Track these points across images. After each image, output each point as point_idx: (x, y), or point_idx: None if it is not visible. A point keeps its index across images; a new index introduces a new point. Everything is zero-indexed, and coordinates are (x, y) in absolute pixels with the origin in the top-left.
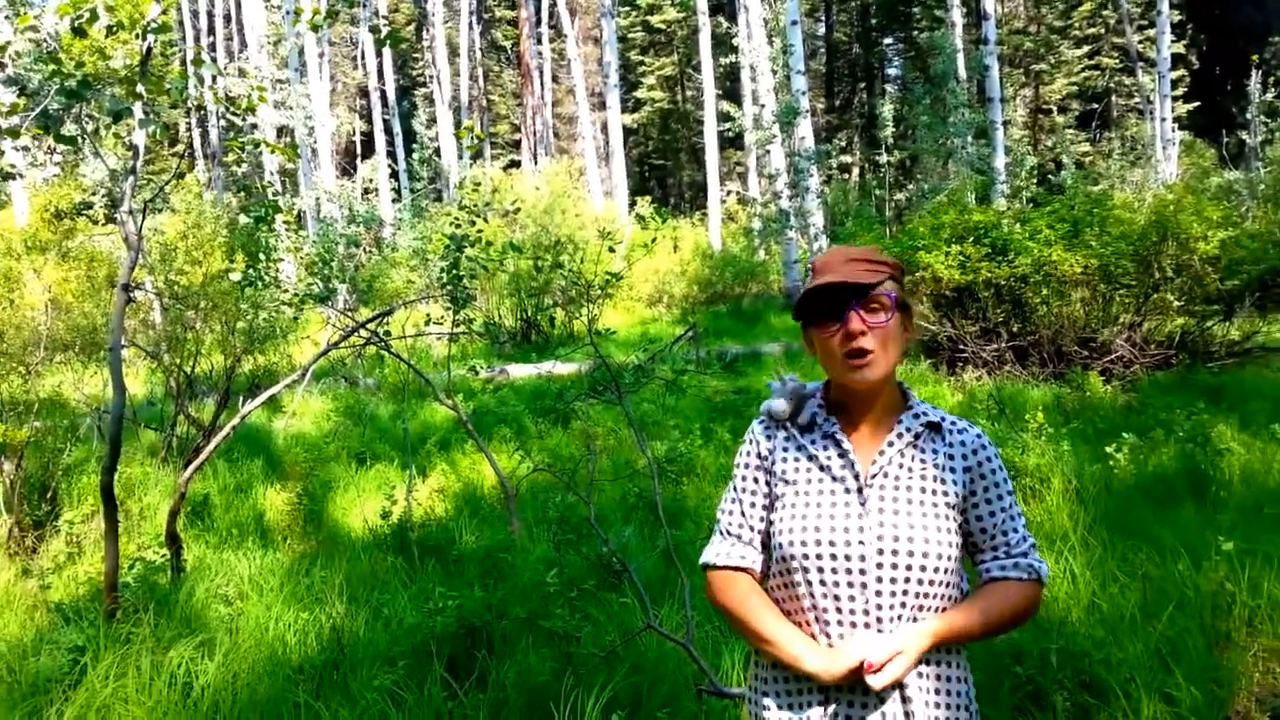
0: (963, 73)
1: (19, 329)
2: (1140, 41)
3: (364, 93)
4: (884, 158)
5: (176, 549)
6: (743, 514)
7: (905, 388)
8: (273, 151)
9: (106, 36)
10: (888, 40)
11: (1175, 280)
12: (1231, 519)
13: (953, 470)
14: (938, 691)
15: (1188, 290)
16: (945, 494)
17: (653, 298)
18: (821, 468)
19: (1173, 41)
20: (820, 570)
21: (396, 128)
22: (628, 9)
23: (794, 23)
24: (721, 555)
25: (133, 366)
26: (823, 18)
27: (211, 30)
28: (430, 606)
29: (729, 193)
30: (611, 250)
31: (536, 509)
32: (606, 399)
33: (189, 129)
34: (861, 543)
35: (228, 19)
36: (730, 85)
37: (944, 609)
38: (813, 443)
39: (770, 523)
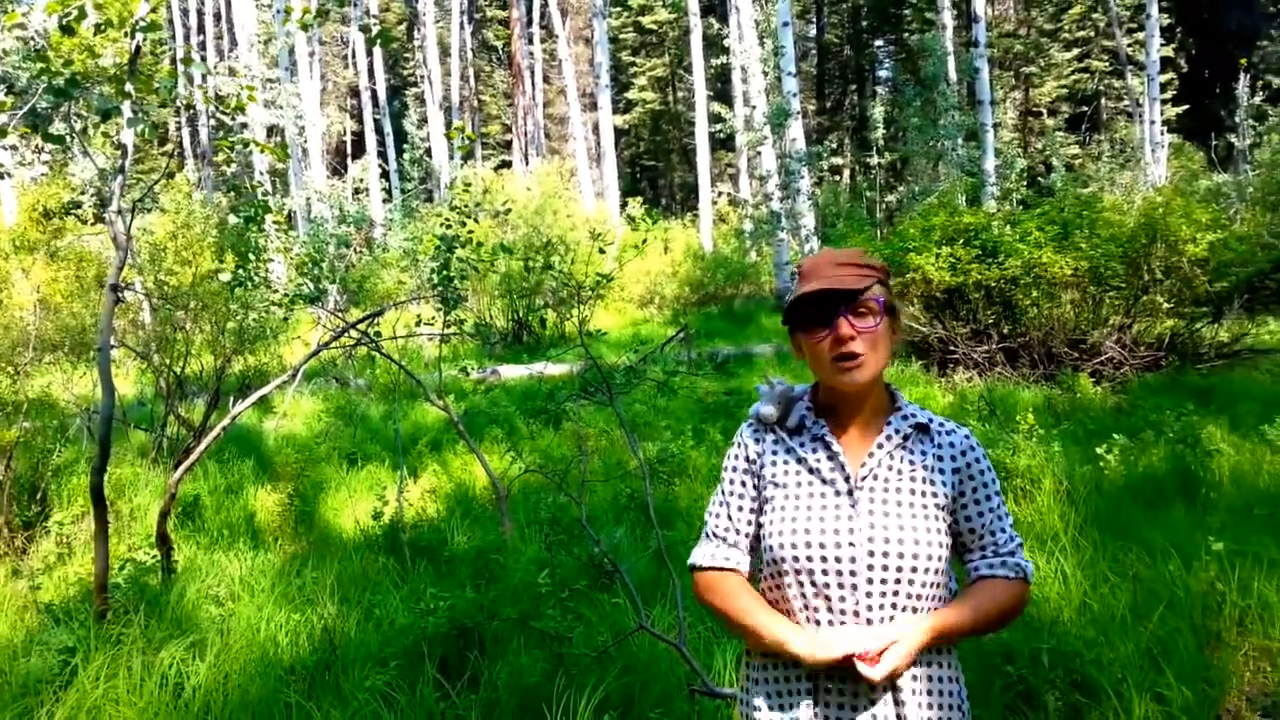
0: (953, 75)
1: (7, 329)
2: (1130, 45)
3: (355, 92)
4: (875, 160)
5: (167, 550)
6: (730, 517)
7: (893, 389)
8: (262, 151)
9: (95, 34)
10: (879, 42)
11: (1164, 282)
12: (1221, 520)
13: (941, 471)
14: (929, 692)
15: (1177, 292)
16: (935, 495)
17: (644, 299)
18: (811, 470)
19: (1162, 45)
20: (811, 573)
21: (387, 127)
22: (619, 9)
23: (785, 24)
24: (708, 557)
25: (123, 367)
26: (814, 19)
27: (201, 29)
28: (422, 607)
29: (720, 194)
30: (602, 251)
31: (528, 510)
32: (598, 400)
33: (178, 128)
34: (852, 544)
35: (218, 17)
36: (722, 86)
37: (934, 610)
38: (802, 445)
39: (760, 525)
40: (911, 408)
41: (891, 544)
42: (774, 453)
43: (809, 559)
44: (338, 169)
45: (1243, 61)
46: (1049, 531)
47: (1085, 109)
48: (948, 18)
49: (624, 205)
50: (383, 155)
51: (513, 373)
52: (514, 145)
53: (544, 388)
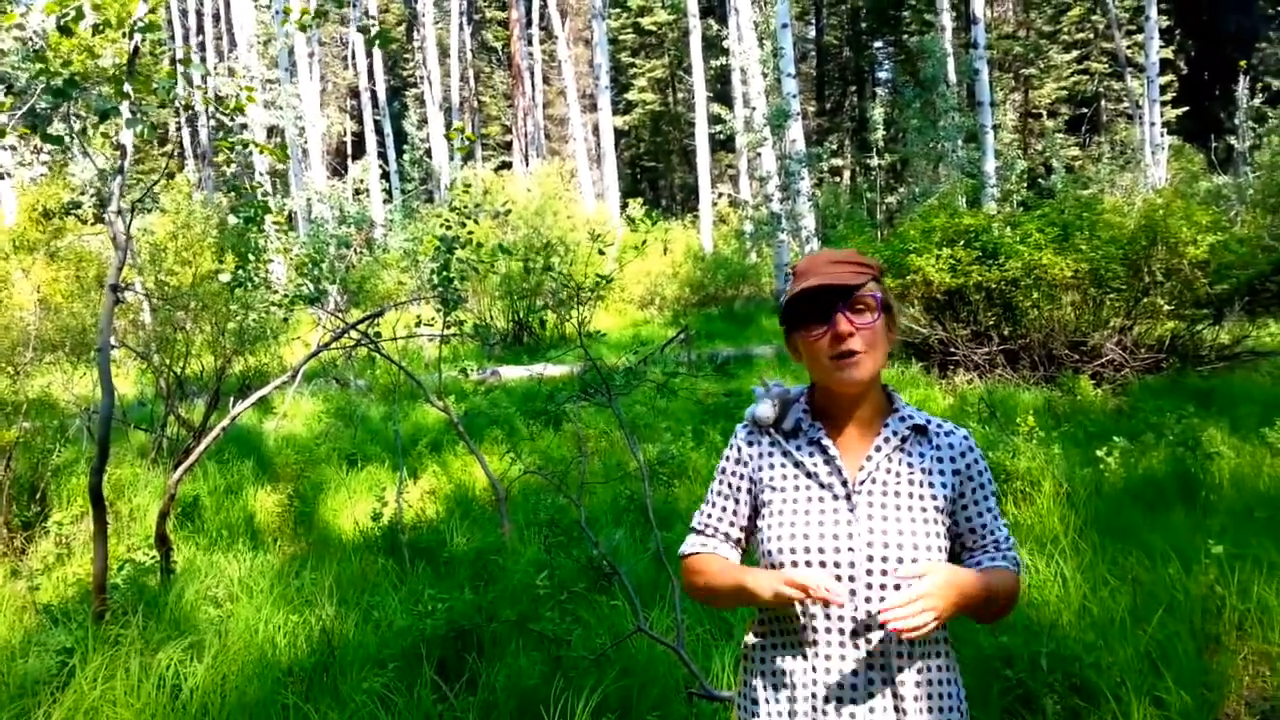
0: (953, 77)
1: (7, 329)
2: (1129, 47)
3: (355, 93)
4: (875, 161)
5: (166, 550)
6: (718, 514)
7: (891, 391)
8: (261, 152)
9: (93, 35)
10: (878, 44)
11: (1165, 284)
12: (1221, 523)
13: (941, 473)
14: (930, 695)
15: (1177, 294)
16: (934, 497)
17: (645, 300)
18: (808, 474)
19: (1161, 47)
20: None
21: (387, 128)
22: (619, 11)
23: (784, 26)
24: (693, 547)
25: (123, 367)
26: (813, 21)
27: (201, 29)
28: (420, 609)
29: (720, 195)
30: (601, 253)
31: (528, 511)
32: (598, 401)
33: (178, 129)
34: (851, 549)
35: (217, 18)
36: (721, 88)
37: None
38: (798, 449)
39: (756, 530)
40: (909, 409)
41: (890, 548)
42: (770, 455)
43: (807, 564)
44: (338, 170)
45: (1242, 63)
46: (1049, 534)
47: (1085, 111)
48: (947, 19)
49: (624, 206)
50: (383, 156)
51: (513, 374)
52: (514, 146)
53: (544, 389)
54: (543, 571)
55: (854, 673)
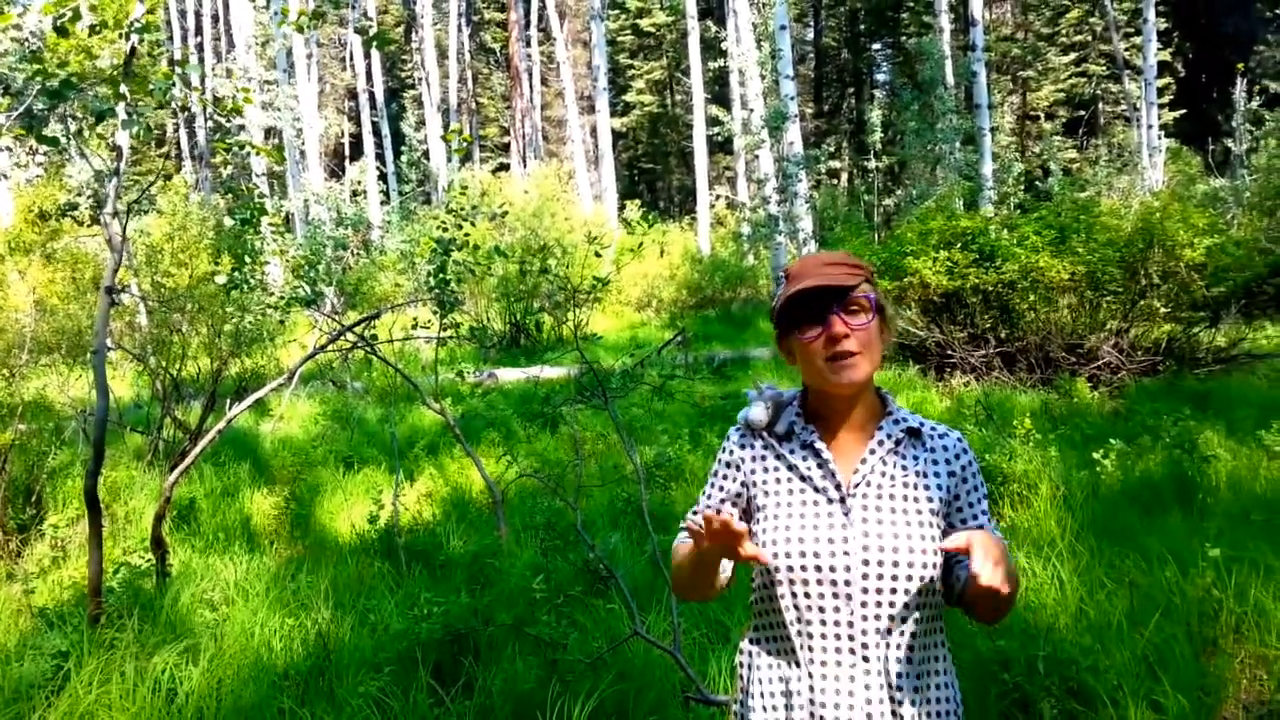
0: (950, 79)
1: (3, 331)
2: (1127, 49)
3: (353, 94)
4: (872, 163)
5: (161, 553)
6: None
7: (884, 394)
8: (257, 153)
9: (90, 36)
10: (876, 46)
11: (1162, 287)
12: (1218, 525)
13: (936, 475)
14: (928, 700)
15: (1174, 297)
16: (929, 500)
17: (642, 302)
18: (802, 478)
19: (1159, 49)
20: (805, 583)
21: (385, 130)
22: (617, 12)
23: (782, 28)
24: (677, 540)
25: (119, 369)
26: (811, 23)
27: (199, 30)
28: (416, 613)
29: (718, 197)
30: (598, 255)
31: (524, 514)
32: (594, 404)
33: (176, 130)
34: (846, 553)
35: (215, 19)
36: (719, 90)
37: (929, 619)
38: (791, 452)
39: (751, 535)
40: (902, 412)
41: (886, 552)
42: (763, 459)
43: (802, 568)
44: (336, 171)
45: (1240, 66)
46: (1045, 537)
47: (1083, 113)
48: (945, 21)
49: (622, 208)
50: (380, 157)
51: (510, 376)
52: (512, 148)
53: (541, 391)
54: (539, 575)
55: (851, 679)
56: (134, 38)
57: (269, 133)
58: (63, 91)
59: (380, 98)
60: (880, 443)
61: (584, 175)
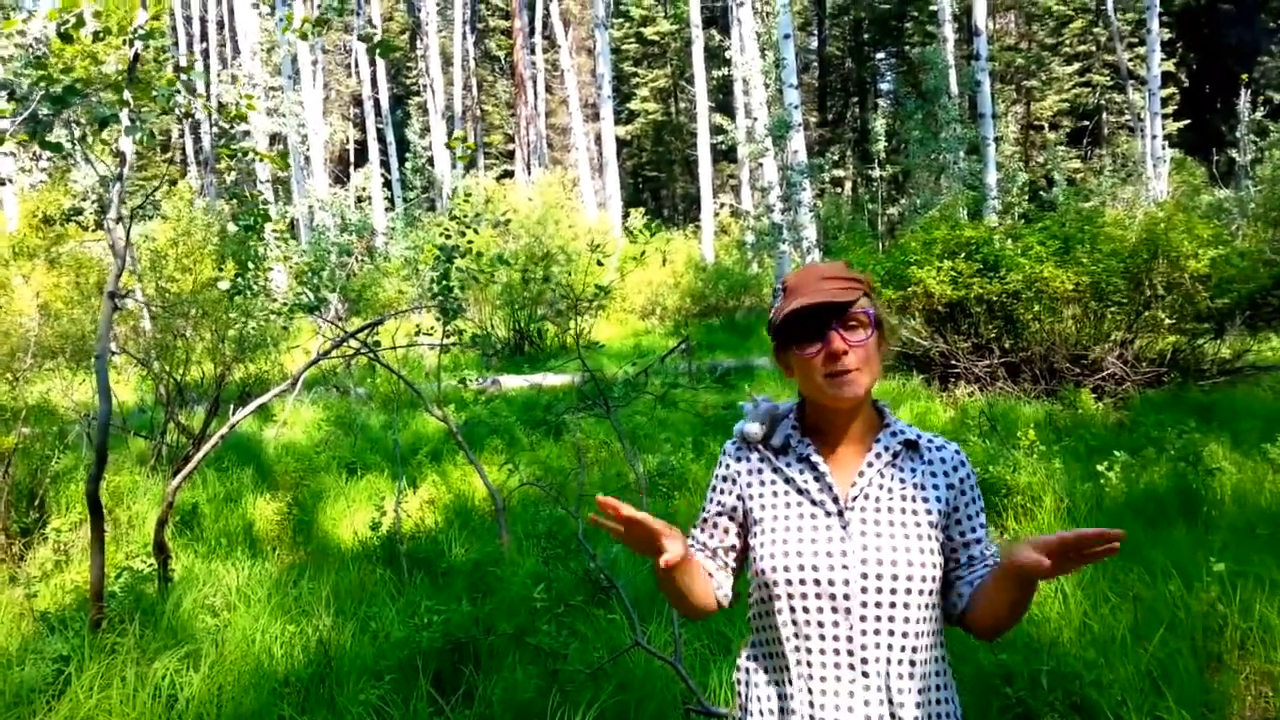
0: (954, 88)
1: (7, 335)
2: (1131, 59)
3: (358, 101)
4: (876, 172)
5: (164, 558)
6: (706, 536)
7: (881, 406)
8: (260, 160)
9: (94, 42)
10: (880, 55)
11: (1166, 298)
12: (1223, 539)
13: (935, 488)
14: (929, 716)
15: (1179, 308)
16: (928, 512)
17: (646, 309)
18: (800, 491)
19: (1163, 60)
20: (804, 596)
21: (390, 136)
22: (621, 20)
23: (787, 37)
24: None
25: (124, 373)
26: (815, 32)
27: (205, 37)
28: (417, 621)
29: (722, 205)
30: (600, 264)
31: (527, 522)
32: (597, 412)
33: (181, 135)
34: (845, 567)
35: (220, 25)
36: (723, 98)
37: (930, 633)
38: (788, 465)
39: (747, 549)
40: (900, 424)
41: (885, 565)
42: (759, 472)
43: (801, 582)
44: (340, 177)
45: (1244, 76)
46: None
47: (1087, 123)
48: (949, 31)
49: (626, 215)
50: (385, 164)
51: (513, 383)
52: (516, 155)
53: (544, 398)
54: (540, 584)
55: (851, 694)
56: (138, 44)
57: (274, 139)
58: (66, 98)
59: (385, 104)
60: (878, 455)
61: (588, 183)
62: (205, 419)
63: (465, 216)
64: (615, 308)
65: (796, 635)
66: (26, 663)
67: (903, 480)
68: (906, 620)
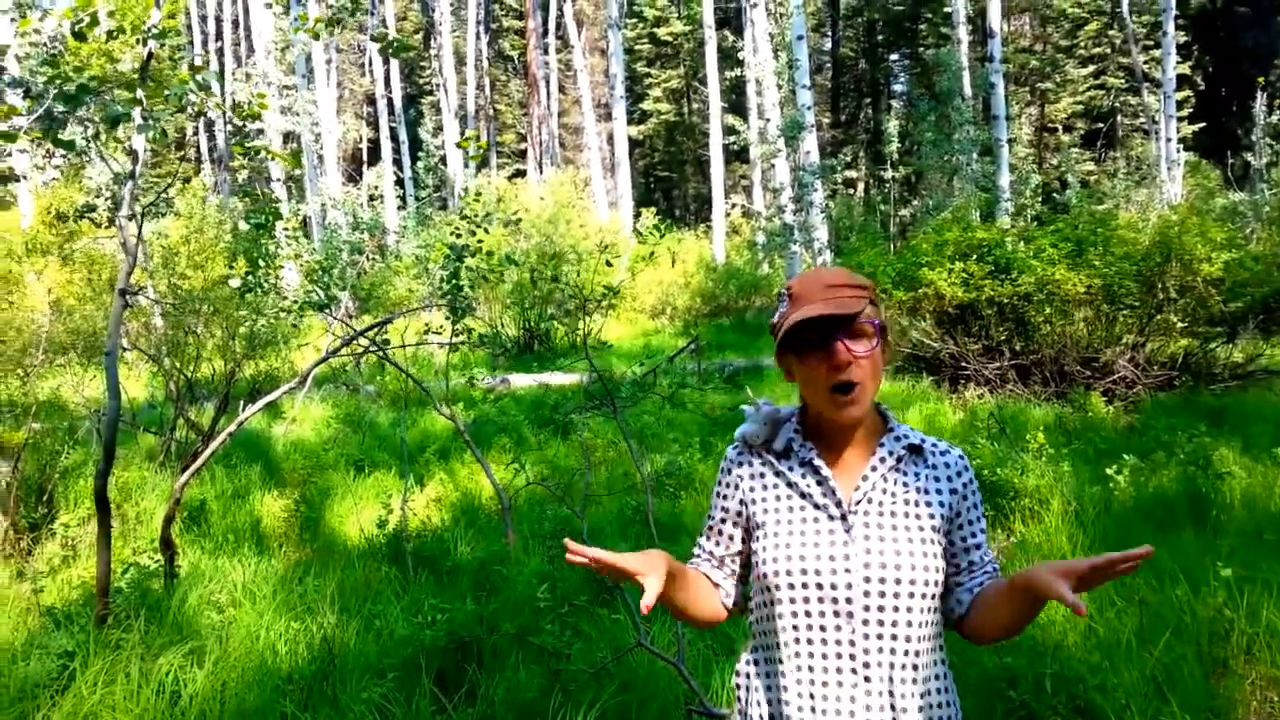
0: (968, 90)
1: (19, 331)
2: (1146, 62)
3: (371, 100)
4: (889, 173)
5: (170, 555)
6: (711, 544)
7: (884, 410)
8: (273, 159)
9: (107, 41)
10: (894, 56)
11: (1179, 301)
12: (1231, 544)
13: (939, 492)
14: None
15: (1191, 312)
16: (932, 517)
17: (656, 309)
18: (802, 495)
19: (1178, 63)
20: (806, 601)
21: (403, 135)
22: (634, 21)
23: (800, 38)
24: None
25: (135, 369)
26: (829, 33)
27: (220, 35)
28: (421, 619)
29: (734, 205)
30: (609, 264)
31: (533, 521)
32: (604, 412)
33: (196, 133)
34: (848, 571)
35: (236, 24)
36: (736, 99)
37: (931, 636)
38: (790, 470)
39: (751, 553)
40: (903, 428)
41: (888, 570)
42: (761, 476)
43: (804, 586)
44: (353, 176)
45: (1260, 80)
46: (1056, 553)
47: (1101, 126)
48: (963, 33)
49: (638, 215)
50: (398, 163)
51: (522, 381)
52: (529, 154)
53: (552, 397)
54: (545, 583)
55: (853, 699)
56: (151, 43)
57: (288, 137)
58: (79, 96)
59: (399, 103)
60: (882, 459)
61: (600, 182)
62: (215, 415)
63: (475, 216)
64: (625, 307)
65: (798, 640)
66: (32, 658)
67: (906, 485)
68: (909, 625)
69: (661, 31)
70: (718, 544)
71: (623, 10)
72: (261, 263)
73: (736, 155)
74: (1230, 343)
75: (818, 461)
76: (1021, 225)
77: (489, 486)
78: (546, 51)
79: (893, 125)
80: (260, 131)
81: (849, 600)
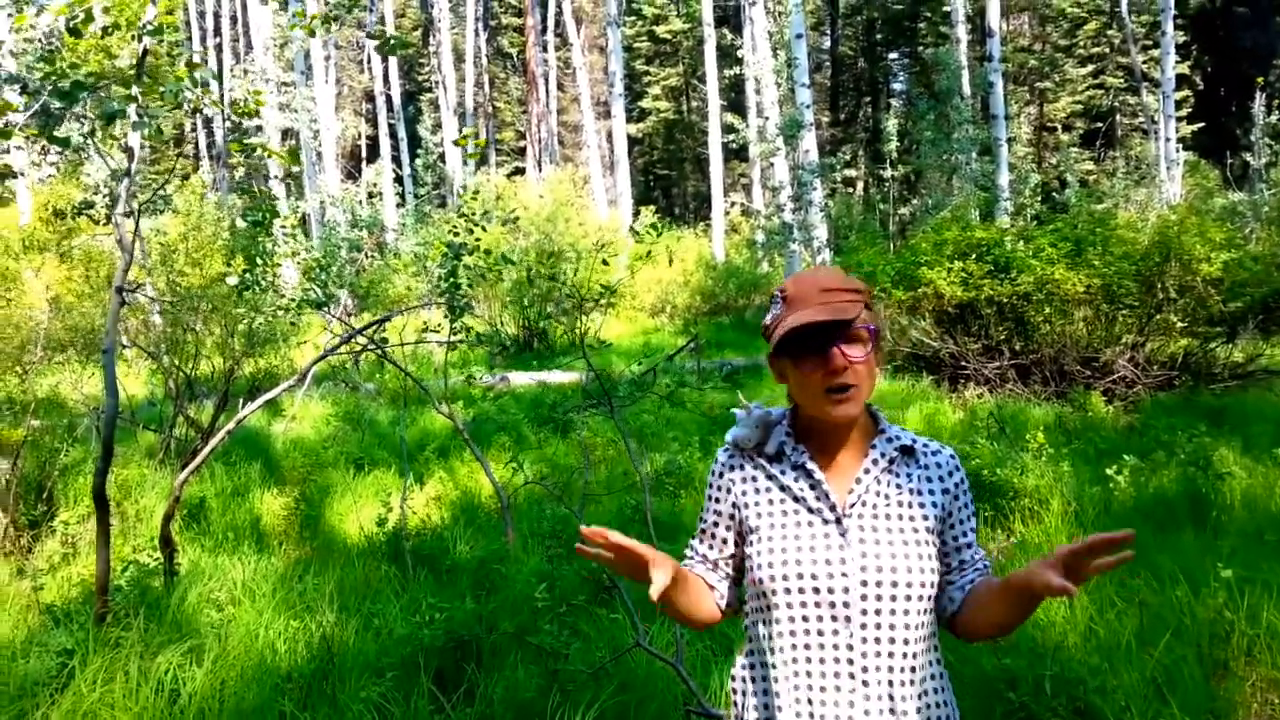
0: (967, 89)
1: (17, 328)
2: (1145, 62)
3: (370, 97)
4: (888, 172)
5: (170, 552)
6: (704, 547)
7: (875, 411)
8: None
9: (103, 37)
10: (893, 55)
11: (1178, 301)
12: (1231, 545)
13: (931, 493)
14: None
15: (1191, 311)
16: (925, 518)
17: (655, 307)
18: (796, 499)
19: (1177, 62)
20: (804, 605)
21: (402, 133)
22: (634, 19)
23: (799, 36)
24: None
25: (134, 367)
26: (828, 32)
27: (218, 31)
28: (419, 618)
29: (733, 204)
30: (605, 263)
31: (533, 519)
32: (604, 410)
33: (194, 129)
34: (844, 574)
35: (234, 20)
36: (735, 97)
37: (928, 638)
38: (783, 473)
39: (744, 558)
40: (894, 429)
41: (885, 573)
42: (753, 480)
43: (800, 591)
44: (352, 173)
45: (1259, 80)
46: None
47: (1100, 125)
48: (962, 32)
49: (637, 213)
50: (397, 160)
51: (522, 380)
52: (528, 152)
53: (551, 396)
54: (544, 582)
55: (850, 703)
56: (146, 40)
57: (286, 134)
58: (73, 93)
59: (397, 101)
60: (875, 461)
61: (599, 180)
62: (214, 413)
63: (474, 214)
64: (625, 305)
65: (795, 645)
66: (31, 655)
67: (899, 486)
68: (907, 628)
69: (660, 29)
70: (711, 547)
71: (622, 8)
72: (260, 260)
73: (735, 153)
74: (1230, 343)
75: (810, 465)
76: (1021, 224)
77: (488, 485)
78: (545, 49)
79: (892, 124)
80: (259, 128)
81: (846, 605)
